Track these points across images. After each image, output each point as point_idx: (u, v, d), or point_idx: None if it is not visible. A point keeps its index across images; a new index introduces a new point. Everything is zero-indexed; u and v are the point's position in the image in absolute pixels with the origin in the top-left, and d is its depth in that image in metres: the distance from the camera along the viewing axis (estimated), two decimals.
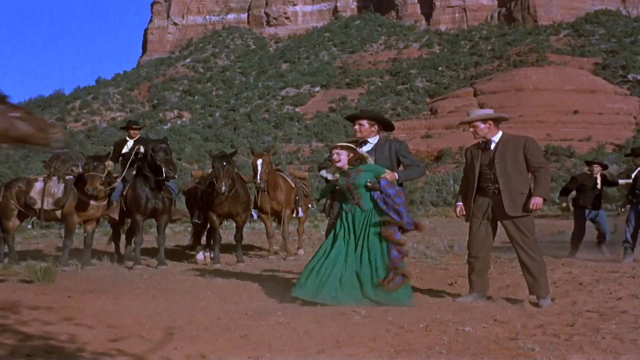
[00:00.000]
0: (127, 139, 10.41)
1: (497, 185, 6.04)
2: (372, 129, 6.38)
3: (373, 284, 5.81)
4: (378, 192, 5.94)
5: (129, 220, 10.42)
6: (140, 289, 7.17)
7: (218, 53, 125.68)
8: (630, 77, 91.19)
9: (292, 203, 11.04)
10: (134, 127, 10.42)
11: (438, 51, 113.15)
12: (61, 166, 9.62)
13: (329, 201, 6.49)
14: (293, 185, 11.02)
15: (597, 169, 10.99)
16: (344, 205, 6.09)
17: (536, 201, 5.90)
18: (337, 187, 6.19)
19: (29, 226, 10.42)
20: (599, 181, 10.88)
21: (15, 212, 9.92)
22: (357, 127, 6.41)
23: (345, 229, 6.03)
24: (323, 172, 6.25)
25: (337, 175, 6.10)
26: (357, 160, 6.04)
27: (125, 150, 10.30)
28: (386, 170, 6.09)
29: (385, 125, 6.53)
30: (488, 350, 4.20)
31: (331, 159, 6.16)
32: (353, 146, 6.11)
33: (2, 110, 4.81)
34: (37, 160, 47.18)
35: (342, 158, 6.04)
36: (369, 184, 5.95)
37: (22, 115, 4.88)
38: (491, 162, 6.09)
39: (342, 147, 6.09)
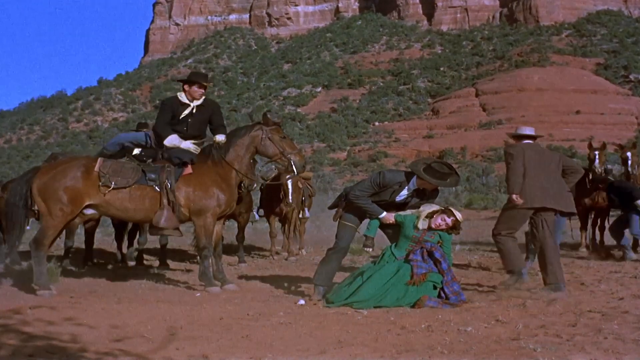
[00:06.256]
0: None
1: None
2: None
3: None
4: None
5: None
6: (142, 289, 7.18)
7: (220, 53, 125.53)
8: (632, 77, 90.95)
9: (300, 204, 11.07)
10: (145, 130, 10.36)
11: (440, 51, 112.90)
12: None
13: (341, 209, 6.55)
14: (300, 185, 11.03)
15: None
16: (395, 252, 6.21)
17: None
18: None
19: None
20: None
21: None
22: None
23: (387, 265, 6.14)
24: (421, 224, 6.21)
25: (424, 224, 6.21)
26: (452, 229, 6.22)
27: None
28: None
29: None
30: (490, 350, 4.20)
31: (438, 218, 6.21)
32: (460, 222, 6.24)
33: (265, 130, 7.03)
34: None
35: (446, 222, 6.19)
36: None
37: (272, 137, 6.99)
38: None
39: (456, 220, 6.20)
